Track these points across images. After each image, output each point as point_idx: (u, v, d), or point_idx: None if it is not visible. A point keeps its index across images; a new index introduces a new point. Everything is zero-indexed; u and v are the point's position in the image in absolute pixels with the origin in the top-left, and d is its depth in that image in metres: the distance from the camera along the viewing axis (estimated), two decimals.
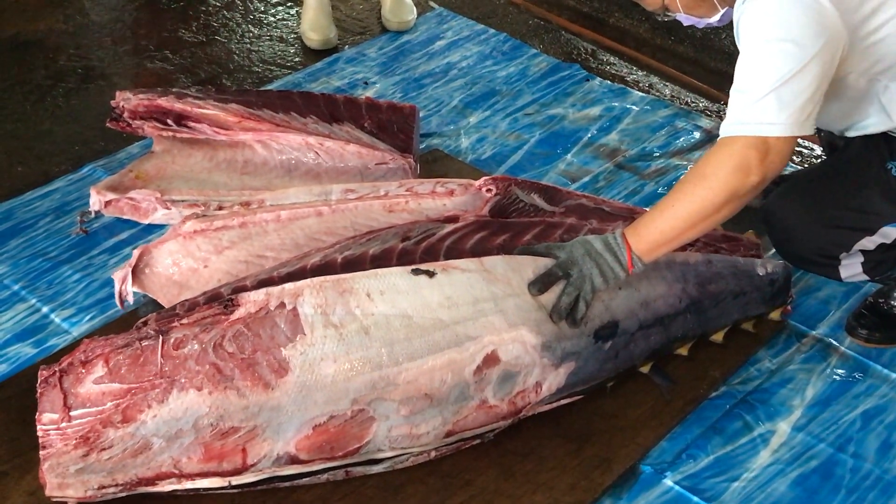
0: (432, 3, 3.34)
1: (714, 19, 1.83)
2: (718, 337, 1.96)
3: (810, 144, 2.62)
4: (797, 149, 2.63)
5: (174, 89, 2.45)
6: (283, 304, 1.61)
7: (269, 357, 1.58)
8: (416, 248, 1.76)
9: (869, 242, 1.89)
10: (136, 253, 1.97)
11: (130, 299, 1.98)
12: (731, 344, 1.98)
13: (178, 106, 2.37)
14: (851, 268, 1.95)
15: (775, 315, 2.04)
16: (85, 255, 2.26)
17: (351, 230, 1.97)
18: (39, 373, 1.59)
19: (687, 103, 2.87)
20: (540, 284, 1.72)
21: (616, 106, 2.81)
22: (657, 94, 2.90)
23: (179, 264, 1.97)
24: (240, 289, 1.68)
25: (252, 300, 1.62)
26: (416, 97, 2.84)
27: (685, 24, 1.89)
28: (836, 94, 1.74)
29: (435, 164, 2.51)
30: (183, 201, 2.25)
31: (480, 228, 1.86)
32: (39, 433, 1.55)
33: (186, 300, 1.71)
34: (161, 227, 2.27)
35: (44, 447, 1.55)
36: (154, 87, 2.47)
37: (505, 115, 2.78)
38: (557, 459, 1.76)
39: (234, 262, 1.96)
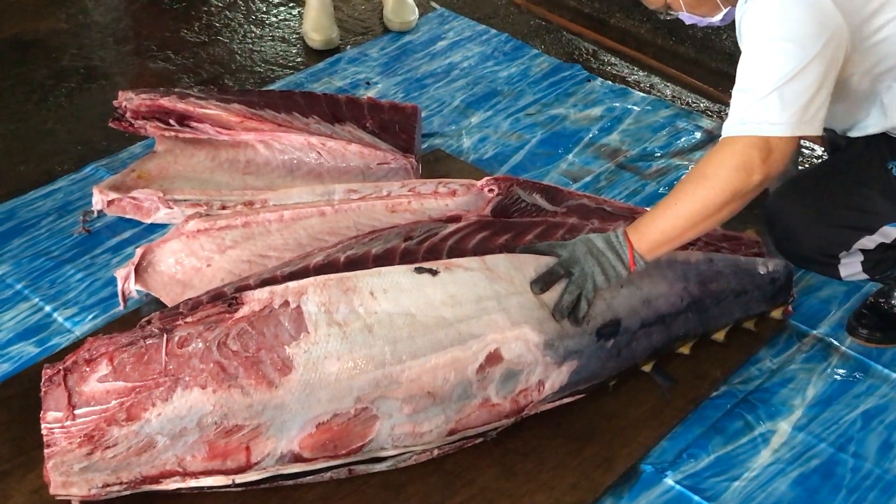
0: (434, 4, 3.34)
1: (716, 19, 1.83)
2: (720, 336, 1.97)
3: (811, 145, 2.62)
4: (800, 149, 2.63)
5: (176, 89, 2.46)
6: (286, 303, 1.62)
7: (273, 355, 1.59)
8: (418, 248, 1.77)
9: (869, 242, 1.89)
10: (138, 252, 1.98)
11: (135, 295, 1.99)
12: (731, 343, 1.98)
13: (181, 106, 2.37)
14: (851, 267, 1.95)
15: (777, 314, 2.04)
16: (88, 255, 2.26)
17: (354, 230, 1.97)
18: (43, 371, 1.59)
19: (688, 104, 2.87)
20: (542, 283, 1.72)
21: (617, 106, 2.82)
22: (658, 94, 2.91)
23: (182, 263, 1.98)
24: (243, 288, 1.68)
25: (256, 298, 1.63)
26: (418, 97, 2.84)
27: (687, 23, 1.89)
28: (840, 95, 1.74)
29: (437, 164, 2.52)
30: (185, 201, 2.26)
31: (482, 228, 1.86)
32: (44, 431, 1.56)
33: (190, 299, 1.71)
34: (163, 226, 2.27)
35: (48, 445, 1.56)
36: (156, 87, 2.48)
37: (506, 115, 2.78)
38: (558, 459, 1.76)
39: (237, 261, 1.96)
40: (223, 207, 2.04)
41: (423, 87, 2.90)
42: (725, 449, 1.82)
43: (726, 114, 1.69)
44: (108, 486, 1.58)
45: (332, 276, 1.67)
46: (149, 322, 1.66)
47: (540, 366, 1.70)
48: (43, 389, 1.57)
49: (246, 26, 3.23)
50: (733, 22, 1.81)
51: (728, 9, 1.80)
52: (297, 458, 1.61)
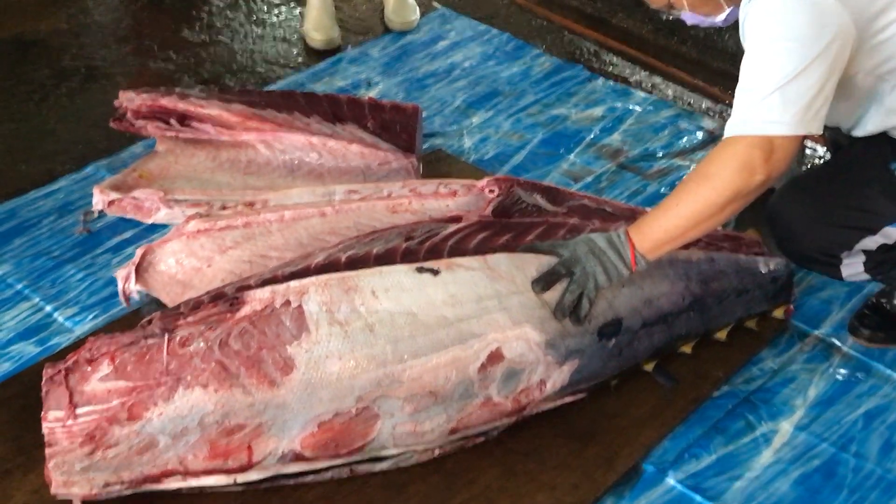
0: (435, 4, 3.34)
1: (719, 18, 1.83)
2: (722, 335, 1.97)
3: (813, 145, 2.62)
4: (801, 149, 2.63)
5: (177, 89, 2.46)
6: (288, 302, 1.62)
7: (275, 354, 1.58)
8: (419, 248, 1.77)
9: (871, 242, 1.89)
10: (139, 252, 1.98)
11: (135, 296, 1.98)
12: (733, 343, 1.98)
13: (182, 106, 2.37)
14: (853, 267, 1.95)
15: (778, 313, 2.04)
16: (88, 255, 2.26)
17: (354, 230, 1.97)
18: (45, 371, 1.59)
19: (689, 104, 2.87)
20: (543, 282, 1.72)
21: (619, 106, 2.82)
22: (660, 94, 2.91)
23: (183, 263, 1.97)
24: (244, 288, 1.68)
25: (257, 298, 1.63)
26: (419, 97, 2.84)
27: (689, 23, 1.89)
28: (844, 94, 1.74)
29: (438, 164, 2.51)
30: (186, 201, 2.26)
31: (483, 228, 1.86)
32: (45, 431, 1.55)
33: (191, 299, 1.71)
34: (164, 226, 2.27)
35: (49, 445, 1.55)
36: (157, 87, 2.48)
37: (508, 115, 2.78)
38: (560, 458, 1.76)
39: (237, 261, 1.96)
40: (224, 208, 2.04)
41: (425, 86, 2.90)
42: (727, 449, 1.82)
43: (728, 114, 1.69)
44: (110, 485, 1.58)
45: (333, 275, 1.67)
46: (150, 322, 1.66)
47: (541, 365, 1.70)
48: (44, 389, 1.57)
49: (247, 26, 3.23)
50: (736, 22, 1.81)
51: (731, 9, 1.80)
52: (299, 458, 1.61)
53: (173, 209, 2.26)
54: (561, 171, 2.56)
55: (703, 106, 2.87)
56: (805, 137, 1.67)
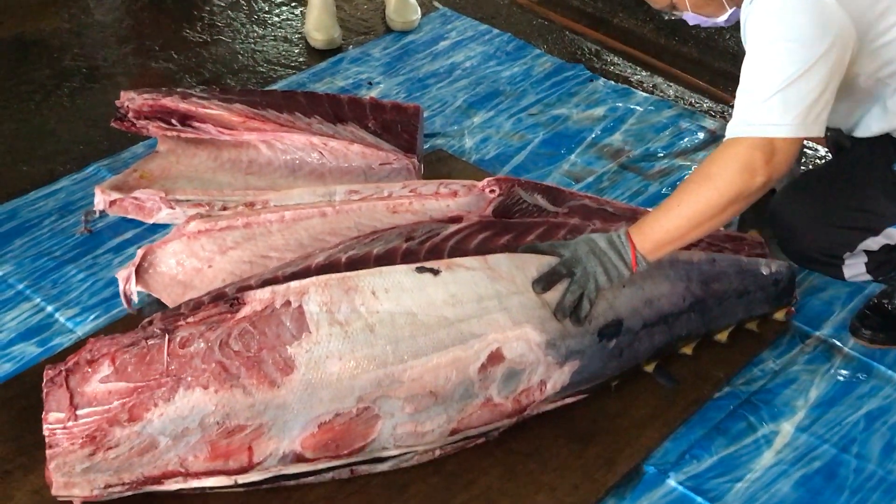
0: (436, 4, 3.34)
1: (721, 19, 1.83)
2: (723, 336, 1.96)
3: (814, 145, 2.62)
4: (802, 150, 2.63)
5: (179, 89, 2.46)
6: (288, 303, 1.62)
7: (275, 355, 1.58)
8: (419, 249, 1.77)
9: (873, 243, 1.89)
10: (139, 253, 1.98)
11: (136, 298, 1.98)
12: (734, 345, 1.98)
13: (183, 106, 2.37)
14: (855, 267, 1.95)
15: (780, 315, 2.04)
16: (89, 255, 2.26)
17: (355, 231, 1.97)
18: (45, 372, 1.59)
19: (691, 104, 2.87)
20: (544, 282, 1.72)
21: (620, 106, 2.81)
22: (661, 94, 2.91)
23: (183, 264, 1.97)
24: (245, 288, 1.68)
25: (258, 298, 1.63)
26: (420, 97, 2.84)
27: (691, 24, 1.89)
28: (844, 95, 1.74)
29: (439, 165, 2.51)
30: (187, 201, 2.26)
31: (484, 229, 1.86)
32: (46, 432, 1.55)
33: (191, 299, 1.71)
34: (165, 226, 2.27)
35: (50, 446, 1.55)
36: (158, 87, 2.48)
37: (509, 115, 2.78)
38: (561, 459, 1.76)
39: (238, 262, 1.96)
40: (224, 208, 2.04)
41: (426, 86, 2.90)
42: (728, 450, 1.82)
43: (729, 114, 1.69)
44: (110, 486, 1.58)
45: (333, 275, 1.66)
46: (150, 322, 1.66)
47: (542, 365, 1.70)
48: (45, 390, 1.57)
49: (248, 26, 3.23)
50: (737, 22, 1.81)
51: (733, 9, 1.80)
52: (300, 458, 1.61)
53: (174, 209, 2.26)
54: (562, 172, 2.55)
55: (705, 106, 2.86)
56: (805, 139, 1.67)
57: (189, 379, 1.56)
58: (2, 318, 2.09)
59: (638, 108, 2.81)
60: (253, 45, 3.13)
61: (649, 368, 1.90)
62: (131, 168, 2.40)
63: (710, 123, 2.74)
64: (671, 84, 2.96)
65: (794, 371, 1.98)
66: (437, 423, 1.66)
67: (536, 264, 1.75)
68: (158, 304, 2.00)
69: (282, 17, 3.28)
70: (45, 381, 1.58)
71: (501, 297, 1.69)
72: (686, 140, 2.68)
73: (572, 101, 2.84)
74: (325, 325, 1.61)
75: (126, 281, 1.98)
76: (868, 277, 1.97)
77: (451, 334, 1.64)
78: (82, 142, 2.66)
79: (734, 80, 1.69)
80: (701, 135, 2.70)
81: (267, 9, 3.32)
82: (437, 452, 1.72)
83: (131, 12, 3.33)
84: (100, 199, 2.32)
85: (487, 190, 1.98)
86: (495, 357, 1.66)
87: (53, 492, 1.58)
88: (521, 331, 1.68)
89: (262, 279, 1.71)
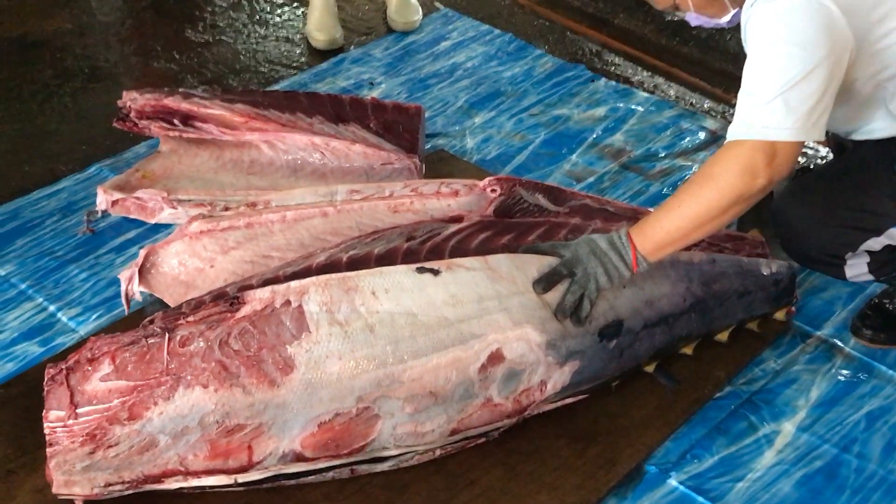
0: (438, 4, 3.34)
1: (724, 20, 1.83)
2: (723, 336, 1.96)
3: (815, 146, 2.62)
4: (802, 150, 2.62)
5: (181, 89, 2.46)
6: (288, 302, 1.62)
7: (275, 354, 1.59)
8: (420, 248, 1.77)
9: (875, 243, 1.89)
10: (142, 253, 1.98)
11: (138, 297, 1.99)
12: (735, 344, 1.98)
13: (185, 106, 2.37)
14: (857, 268, 1.95)
15: (780, 315, 2.04)
16: (91, 255, 2.27)
17: (356, 230, 1.97)
18: (46, 371, 1.59)
19: (692, 104, 2.87)
20: (545, 283, 1.72)
21: (621, 106, 2.81)
22: (662, 94, 2.91)
23: (185, 264, 1.98)
24: (246, 288, 1.68)
25: (258, 298, 1.63)
26: (422, 97, 2.84)
27: (693, 25, 1.89)
28: (843, 99, 1.74)
29: (440, 165, 2.51)
30: (189, 201, 2.26)
31: (485, 228, 1.86)
32: (46, 431, 1.56)
33: (192, 299, 1.71)
34: (167, 226, 2.28)
35: (50, 445, 1.56)
36: (160, 87, 2.48)
37: (510, 115, 2.78)
38: (562, 459, 1.76)
39: (239, 262, 1.96)
40: (226, 208, 2.04)
41: (427, 87, 2.90)
42: (729, 450, 1.82)
43: (730, 114, 1.69)
44: (111, 485, 1.58)
45: (333, 275, 1.67)
46: (151, 321, 1.66)
47: (542, 366, 1.70)
48: (45, 388, 1.57)
49: (250, 26, 3.23)
50: (739, 23, 1.81)
51: (736, 10, 1.80)
52: (299, 458, 1.61)
53: (176, 209, 2.26)
54: (563, 172, 2.56)
55: (706, 106, 2.86)
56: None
57: (189, 378, 1.56)
58: (4, 318, 2.10)
59: (639, 108, 2.81)
60: (255, 46, 3.13)
61: (650, 368, 1.90)
62: (133, 168, 2.40)
63: (710, 123, 2.74)
64: (672, 84, 2.96)
65: (795, 371, 1.98)
66: (438, 423, 1.66)
67: (537, 265, 1.75)
68: (161, 304, 2.00)
69: (283, 17, 3.29)
70: (46, 379, 1.58)
71: (502, 297, 1.69)
72: (687, 140, 2.68)
73: (573, 101, 2.84)
74: (325, 325, 1.61)
75: (129, 281, 1.98)
76: (870, 277, 1.97)
77: (452, 334, 1.65)
78: (84, 142, 2.67)
79: (735, 81, 1.69)
80: (702, 135, 2.70)
81: (268, 9, 3.33)
82: (438, 452, 1.72)
83: (133, 13, 3.34)
84: (102, 199, 2.33)
85: (489, 189, 1.98)
86: (495, 357, 1.66)
87: (54, 490, 1.58)
88: (522, 331, 1.68)
89: (262, 279, 1.71)
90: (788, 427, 1.86)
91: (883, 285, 2.04)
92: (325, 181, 2.35)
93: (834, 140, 2.13)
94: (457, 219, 1.92)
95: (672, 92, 2.93)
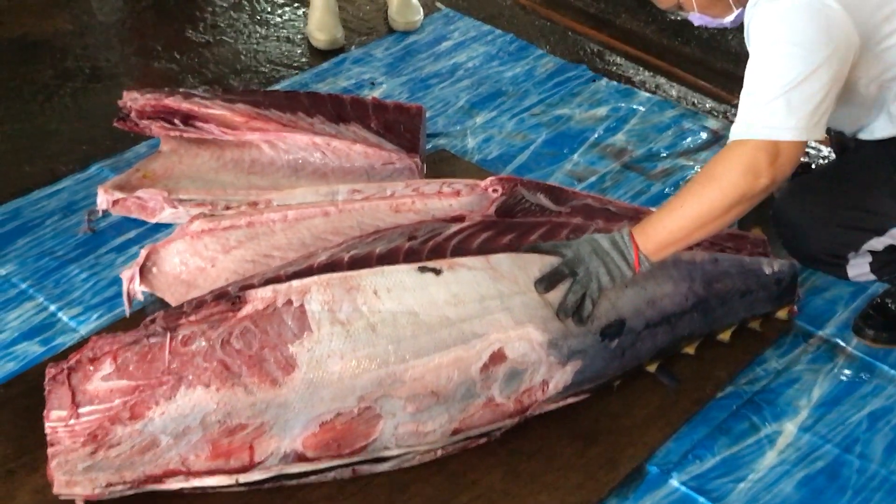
0: (439, 4, 3.34)
1: (727, 20, 1.83)
2: (725, 336, 1.96)
3: (817, 145, 2.62)
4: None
5: (181, 89, 2.46)
6: (290, 301, 1.62)
7: (277, 354, 1.58)
8: (422, 248, 1.76)
9: (878, 243, 1.89)
10: (143, 252, 1.98)
11: (140, 297, 1.99)
12: (737, 344, 1.98)
13: (186, 106, 2.37)
14: (859, 267, 1.95)
15: (782, 314, 2.04)
16: (92, 254, 2.26)
17: (357, 230, 1.97)
18: (47, 370, 1.59)
19: (693, 104, 2.87)
20: (546, 282, 1.72)
21: (623, 106, 2.81)
22: (664, 94, 2.90)
23: (187, 263, 1.97)
24: (247, 287, 1.68)
25: (259, 297, 1.63)
26: (423, 97, 2.84)
27: (696, 25, 1.89)
28: (847, 99, 1.74)
29: (441, 165, 2.51)
30: (190, 200, 2.26)
31: (486, 228, 1.86)
32: (47, 430, 1.55)
33: (194, 298, 1.71)
34: (168, 226, 2.27)
35: (52, 444, 1.55)
36: (161, 87, 2.48)
37: (511, 115, 2.78)
38: (563, 459, 1.76)
39: (241, 261, 1.96)
40: (227, 208, 2.04)
41: (428, 87, 2.90)
42: (731, 450, 1.82)
43: (732, 114, 1.69)
44: (112, 485, 1.58)
45: (335, 274, 1.66)
46: (153, 321, 1.66)
47: (544, 365, 1.70)
48: (47, 388, 1.57)
49: (251, 26, 3.23)
50: (741, 23, 1.81)
51: (739, 10, 1.80)
52: (301, 458, 1.61)
53: (177, 209, 2.26)
54: (565, 172, 2.55)
55: (707, 106, 2.86)
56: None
57: (190, 377, 1.56)
58: (5, 318, 2.10)
59: (640, 108, 2.80)
60: (255, 46, 3.13)
61: (652, 368, 1.89)
62: (134, 168, 2.40)
63: (712, 123, 2.74)
64: (674, 84, 2.96)
65: (796, 371, 1.98)
66: (439, 422, 1.66)
67: (539, 264, 1.75)
68: (162, 304, 2.00)
69: (284, 17, 3.28)
70: (47, 379, 1.58)
71: (504, 296, 1.69)
72: (689, 140, 2.68)
73: (575, 101, 2.84)
74: (327, 325, 1.60)
75: (130, 280, 1.98)
76: (872, 277, 1.97)
77: (453, 334, 1.64)
78: (85, 141, 2.66)
79: (736, 81, 1.69)
80: (703, 135, 2.70)
81: (269, 9, 3.33)
82: (439, 452, 1.72)
83: (134, 13, 3.34)
84: (102, 199, 2.33)
85: (490, 189, 1.98)
86: (497, 357, 1.66)
87: (55, 490, 1.58)
88: (524, 330, 1.68)
89: (264, 278, 1.71)
90: (790, 427, 1.86)
91: (885, 285, 2.04)
92: (326, 181, 2.35)
93: (836, 139, 2.13)
94: (458, 218, 1.92)
95: (674, 92, 2.92)
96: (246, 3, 3.36)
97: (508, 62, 3.02)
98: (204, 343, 1.58)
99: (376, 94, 2.83)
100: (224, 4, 3.35)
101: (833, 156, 2.36)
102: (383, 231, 1.90)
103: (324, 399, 1.59)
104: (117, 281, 2.08)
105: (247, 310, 1.62)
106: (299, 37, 3.17)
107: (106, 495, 1.59)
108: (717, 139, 2.66)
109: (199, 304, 1.66)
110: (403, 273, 1.68)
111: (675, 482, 1.76)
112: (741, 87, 1.69)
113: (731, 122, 1.69)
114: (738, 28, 1.81)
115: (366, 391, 1.60)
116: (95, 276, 2.20)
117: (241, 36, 3.18)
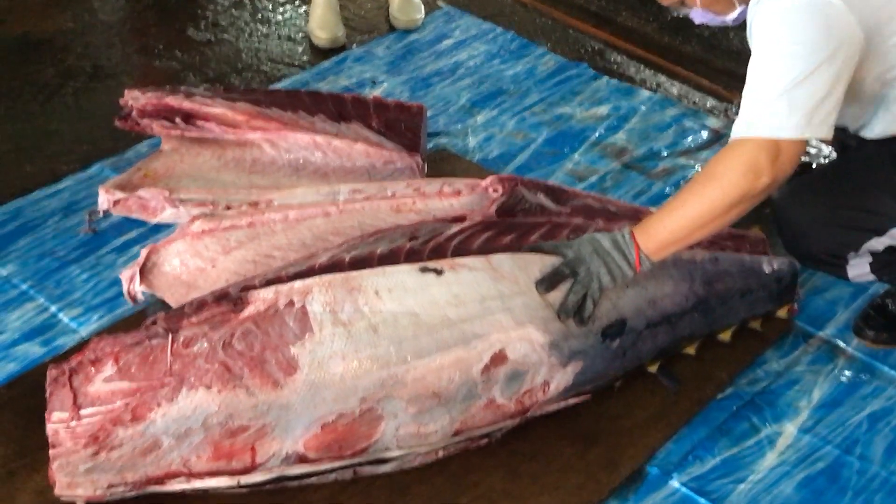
0: (440, 2, 3.34)
1: (730, 17, 1.82)
2: (726, 336, 1.96)
3: (818, 144, 2.61)
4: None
5: (182, 88, 2.46)
6: (291, 302, 1.62)
7: (278, 355, 1.59)
8: (423, 248, 1.76)
9: (878, 244, 1.89)
10: (143, 252, 1.98)
11: (141, 297, 1.99)
12: (737, 345, 1.98)
13: (187, 104, 2.37)
14: (859, 267, 1.94)
15: (782, 313, 2.03)
16: (93, 254, 2.26)
17: (358, 230, 1.97)
18: (49, 371, 1.59)
19: (694, 102, 2.86)
20: (547, 282, 1.72)
21: (623, 105, 2.81)
22: (665, 93, 2.90)
23: (187, 264, 1.97)
24: (248, 288, 1.68)
25: (261, 298, 1.63)
26: (424, 96, 2.84)
27: (698, 22, 1.88)
28: (851, 98, 1.74)
29: (442, 164, 2.51)
30: (191, 200, 2.26)
31: (487, 228, 1.86)
32: (49, 432, 1.56)
33: (195, 299, 1.71)
34: (169, 226, 2.27)
35: (53, 446, 1.56)
36: (162, 86, 2.48)
37: (512, 114, 2.78)
38: (564, 460, 1.76)
39: (241, 261, 1.96)
40: (228, 207, 2.04)
41: (429, 85, 2.90)
42: (731, 451, 1.82)
43: (733, 113, 1.69)
44: (113, 486, 1.58)
45: (336, 275, 1.66)
46: (154, 322, 1.66)
47: (545, 366, 1.70)
48: (48, 389, 1.57)
49: (252, 25, 3.23)
50: (743, 22, 1.81)
51: (742, 8, 1.80)
52: (302, 459, 1.61)
53: (178, 208, 2.25)
54: (565, 171, 2.55)
55: (708, 105, 2.86)
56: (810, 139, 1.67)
57: (192, 379, 1.56)
58: (5, 318, 2.10)
59: (641, 106, 2.80)
60: (257, 44, 3.13)
61: (653, 369, 1.89)
62: (135, 167, 2.40)
63: (713, 122, 2.73)
64: (675, 83, 2.96)
65: (797, 372, 1.98)
66: (440, 424, 1.66)
67: (539, 264, 1.75)
68: (162, 304, 2.00)
69: (285, 15, 3.28)
70: (48, 380, 1.58)
71: (504, 297, 1.69)
72: (690, 139, 2.68)
73: (576, 99, 2.84)
74: (329, 325, 1.61)
75: (130, 281, 1.98)
76: (872, 277, 1.97)
77: (454, 335, 1.64)
78: (86, 141, 2.66)
79: (738, 79, 1.68)
80: (705, 133, 2.69)
81: (270, 7, 3.32)
82: (440, 453, 1.72)
83: (135, 12, 3.33)
84: (103, 199, 2.32)
85: (491, 189, 1.98)
86: (498, 358, 1.66)
87: (56, 492, 1.58)
88: (525, 331, 1.68)
89: (265, 279, 1.71)
90: (790, 428, 1.86)
91: (885, 285, 2.04)
92: (327, 180, 2.35)
93: (837, 139, 2.13)
94: (459, 218, 1.92)
95: (675, 90, 2.92)
96: (247, 1, 3.36)
97: (509, 60, 3.02)
98: (205, 344, 1.58)
99: (377, 92, 2.83)
100: (225, 3, 3.34)
101: (834, 155, 2.36)
102: (384, 231, 1.90)
103: (325, 400, 1.59)
104: (118, 281, 2.08)
105: (248, 311, 1.62)
106: (300, 35, 3.17)
107: (107, 497, 1.59)
108: (719, 138, 2.65)
109: (200, 305, 1.66)
110: (405, 273, 1.68)
111: (675, 483, 1.76)
112: (742, 85, 1.69)
113: (733, 120, 1.69)
114: (740, 27, 1.81)
115: (367, 392, 1.60)
116: (96, 276, 2.20)
117: (243, 34, 3.18)
